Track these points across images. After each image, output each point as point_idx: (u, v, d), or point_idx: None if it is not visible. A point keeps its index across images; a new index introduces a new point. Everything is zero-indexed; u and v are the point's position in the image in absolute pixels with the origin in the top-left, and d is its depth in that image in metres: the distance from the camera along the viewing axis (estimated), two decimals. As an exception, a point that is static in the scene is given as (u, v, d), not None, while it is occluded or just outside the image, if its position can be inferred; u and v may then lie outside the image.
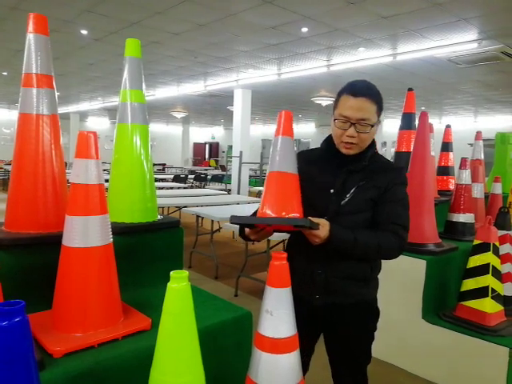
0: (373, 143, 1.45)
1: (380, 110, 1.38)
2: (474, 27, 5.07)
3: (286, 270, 1.20)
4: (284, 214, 1.29)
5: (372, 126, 1.35)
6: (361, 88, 1.36)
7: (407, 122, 3.23)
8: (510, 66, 6.64)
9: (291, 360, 1.17)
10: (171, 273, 0.96)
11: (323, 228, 1.28)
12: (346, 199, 1.38)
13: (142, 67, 1.81)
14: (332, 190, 1.39)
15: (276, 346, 1.15)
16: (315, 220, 1.27)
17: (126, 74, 1.79)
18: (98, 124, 19.47)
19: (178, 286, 0.95)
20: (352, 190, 1.39)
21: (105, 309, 1.26)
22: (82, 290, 1.23)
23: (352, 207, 1.38)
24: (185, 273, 0.97)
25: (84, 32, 5.87)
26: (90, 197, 1.23)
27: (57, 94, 1.58)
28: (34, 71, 1.49)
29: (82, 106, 15.10)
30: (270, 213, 1.31)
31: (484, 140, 4.10)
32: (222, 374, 1.42)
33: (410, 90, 3.25)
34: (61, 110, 16.05)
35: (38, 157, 1.48)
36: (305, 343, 1.36)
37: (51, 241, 1.36)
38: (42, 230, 1.47)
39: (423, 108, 11.35)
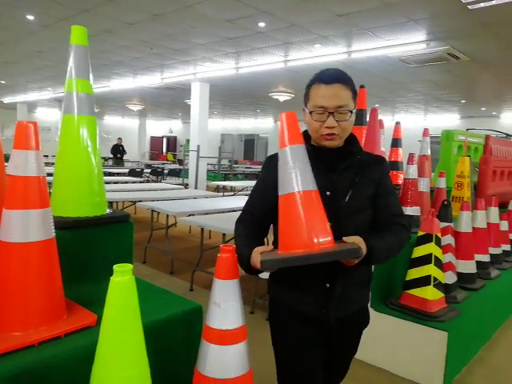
0: (355, 138, 1.36)
1: (355, 95, 1.28)
2: (423, 28, 5.30)
3: (233, 262, 1.21)
4: (316, 240, 1.12)
5: (351, 112, 1.24)
6: (332, 75, 1.25)
7: (359, 118, 3.33)
8: (456, 66, 7.01)
9: (239, 351, 1.19)
10: (114, 266, 0.94)
11: (362, 246, 1.15)
12: (347, 199, 1.26)
13: (88, 56, 1.74)
14: (328, 193, 1.25)
15: (223, 338, 1.16)
16: (351, 239, 1.16)
17: (71, 63, 1.72)
18: (48, 115, 18.55)
19: (122, 279, 0.93)
20: (350, 189, 1.27)
21: (46, 306, 1.21)
22: (21, 287, 1.17)
23: (353, 207, 1.27)
24: (129, 266, 0.95)
25: (30, 17, 5.57)
26: (30, 190, 1.18)
27: (1, 82, 1.49)
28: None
29: (31, 96, 14.31)
30: (299, 244, 1.12)
31: (432, 137, 4.30)
32: (169, 367, 1.41)
33: (361, 86, 3.35)
34: (6, 99, 15.17)
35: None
36: (310, 371, 1.34)
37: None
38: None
39: (377, 105, 11.74)
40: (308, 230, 1.12)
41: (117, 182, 7.39)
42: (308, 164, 1.18)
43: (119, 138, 13.44)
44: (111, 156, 13.54)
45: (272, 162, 1.31)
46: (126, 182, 7.64)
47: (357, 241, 1.16)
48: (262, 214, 1.34)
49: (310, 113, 1.26)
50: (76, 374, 1.11)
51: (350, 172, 1.30)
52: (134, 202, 5.57)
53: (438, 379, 2.32)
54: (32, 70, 9.59)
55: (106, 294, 1.14)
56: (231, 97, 12.16)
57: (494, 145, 4.53)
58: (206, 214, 4.46)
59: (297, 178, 1.15)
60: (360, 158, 1.32)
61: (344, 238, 1.17)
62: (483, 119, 13.18)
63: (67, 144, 1.68)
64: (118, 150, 13.22)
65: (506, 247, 3.91)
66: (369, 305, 1.48)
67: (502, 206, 4.09)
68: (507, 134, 6.47)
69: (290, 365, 1.35)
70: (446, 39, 5.66)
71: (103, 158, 13.82)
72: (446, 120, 13.95)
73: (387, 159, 3.98)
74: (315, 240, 1.12)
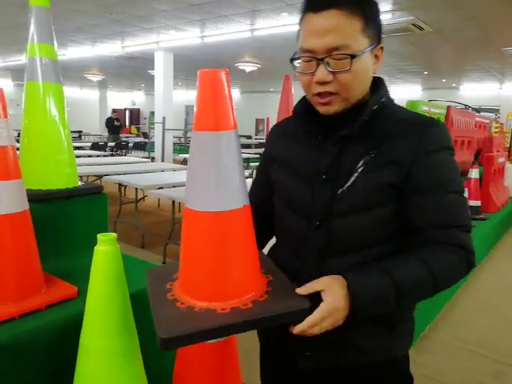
0: (379, 85, 0.88)
1: (369, 23, 0.81)
2: (389, -2, 5.32)
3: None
4: (231, 292, 0.77)
5: (353, 56, 0.78)
6: None
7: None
8: (420, 38, 7.13)
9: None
10: (98, 235, 0.93)
11: (330, 296, 0.74)
12: (345, 188, 0.83)
13: (51, 19, 1.64)
14: (324, 176, 0.85)
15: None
16: (309, 288, 0.76)
17: (32, 27, 1.61)
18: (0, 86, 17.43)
19: (107, 248, 0.92)
20: (354, 171, 0.83)
21: (24, 278, 1.18)
22: (-4, 261, 1.14)
23: (354, 201, 0.83)
24: (112, 235, 0.94)
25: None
26: (2, 160, 1.13)
27: None
28: None
29: (-22, 65, 13.37)
30: (201, 294, 0.77)
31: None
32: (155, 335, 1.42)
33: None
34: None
35: None
36: None
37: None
38: None
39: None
40: (220, 276, 0.77)
41: (79, 156, 7.13)
42: (234, 157, 0.76)
43: (114, 112, 12.76)
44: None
45: (274, 133, 1.05)
46: (90, 156, 7.40)
47: (321, 285, 0.75)
48: (259, 200, 0.99)
49: (295, 62, 0.86)
50: (61, 343, 1.10)
51: (361, 145, 0.84)
52: (100, 177, 5.42)
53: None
54: (-22, 37, 8.93)
55: (83, 267, 1.12)
56: (196, 67, 11.78)
57: (455, 115, 4.69)
58: (174, 186, 4.41)
59: (209, 190, 0.75)
60: (366, 121, 0.83)
61: (299, 290, 0.77)
62: (444, 91, 13.56)
63: (33, 112, 1.60)
64: (112, 123, 12.29)
65: (465, 212, 4.14)
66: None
67: (462, 175, 4.30)
68: (466, 105, 6.71)
69: None
70: (410, 9, 5.71)
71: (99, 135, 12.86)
72: (409, 91, 14.25)
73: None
74: (229, 292, 0.76)
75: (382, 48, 0.86)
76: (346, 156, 0.85)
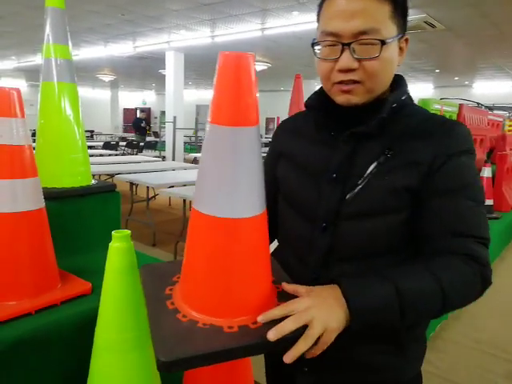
0: (400, 83, 0.82)
1: (398, 9, 0.74)
2: (401, -4, 5.28)
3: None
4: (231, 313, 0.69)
5: (383, 42, 0.71)
6: None
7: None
8: (432, 35, 7.05)
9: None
10: (113, 232, 0.95)
11: (306, 304, 0.65)
12: (356, 190, 0.77)
13: (66, 20, 1.67)
14: (334, 175, 0.79)
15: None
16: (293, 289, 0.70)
17: (48, 28, 1.64)
18: (14, 86, 17.68)
19: (121, 244, 0.94)
20: (367, 172, 0.76)
21: (40, 275, 1.21)
22: (13, 257, 1.16)
23: (366, 204, 0.76)
24: (127, 232, 0.96)
25: (-9, -20, 5.22)
26: (17, 159, 1.16)
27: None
28: None
29: (-7, 66, 13.60)
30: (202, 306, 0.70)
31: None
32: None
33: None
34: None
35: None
36: None
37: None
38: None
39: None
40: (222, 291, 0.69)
41: (92, 156, 7.21)
42: (256, 162, 0.67)
43: (142, 111, 12.34)
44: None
45: (282, 128, 0.98)
46: (102, 155, 7.48)
47: (301, 291, 0.69)
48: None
49: (316, 47, 0.78)
50: (75, 338, 1.13)
51: (377, 144, 0.77)
52: (112, 176, 5.47)
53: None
54: (-7, 38, 9.08)
55: (97, 263, 1.14)
56: (206, 67, 11.88)
57: (467, 113, 4.64)
58: (185, 185, 4.44)
59: (210, 188, 0.67)
60: (385, 118, 0.76)
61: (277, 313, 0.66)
62: (456, 88, 13.40)
63: (48, 112, 1.63)
64: (140, 124, 11.75)
65: (478, 212, 4.10)
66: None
67: (475, 173, 4.25)
68: (478, 103, 6.63)
69: None
70: (423, 7, 5.66)
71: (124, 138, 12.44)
72: (421, 90, 14.11)
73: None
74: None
75: (407, 40, 0.79)
76: (360, 155, 0.78)
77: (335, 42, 0.73)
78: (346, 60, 0.73)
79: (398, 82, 0.82)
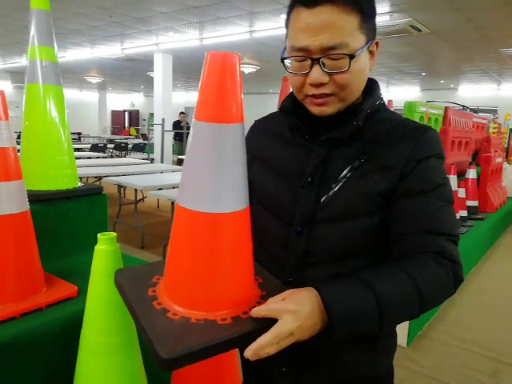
0: (374, 88, 0.83)
1: (366, 18, 0.74)
2: (387, 0, 5.35)
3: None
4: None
5: (352, 56, 0.72)
6: None
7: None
8: (417, 39, 7.15)
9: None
10: (98, 235, 0.95)
11: (289, 305, 0.64)
12: (331, 193, 0.78)
13: (51, 22, 1.66)
14: (309, 179, 0.80)
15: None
16: (266, 310, 0.65)
17: (33, 30, 1.63)
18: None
19: (107, 247, 0.94)
20: (341, 176, 0.78)
21: (25, 278, 1.20)
22: (-3, 261, 1.16)
23: (340, 208, 0.77)
24: (112, 234, 0.96)
25: (-24, -20, 5.15)
26: (1, 161, 1.15)
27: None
28: None
29: (-22, 68, 13.39)
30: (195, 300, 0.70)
31: (395, 109, 4.41)
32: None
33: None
34: (-48, 71, 14.08)
35: None
36: None
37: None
38: None
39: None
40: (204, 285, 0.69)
41: (79, 158, 7.15)
42: (237, 156, 0.67)
43: (182, 114, 10.37)
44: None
45: (255, 129, 0.96)
46: (90, 158, 7.42)
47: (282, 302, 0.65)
48: None
49: (285, 61, 0.79)
50: (61, 342, 1.12)
51: (351, 149, 0.79)
52: (100, 178, 5.43)
53: (403, 335, 2.49)
54: (-21, 39, 8.94)
55: (83, 266, 1.14)
56: (195, 69, 11.87)
57: (453, 116, 4.71)
58: (173, 187, 4.42)
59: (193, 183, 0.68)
60: (360, 126, 0.77)
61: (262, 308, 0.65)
62: (442, 91, 13.59)
63: (33, 114, 1.62)
64: (180, 128, 9.74)
65: (463, 213, 4.17)
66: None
67: (460, 175, 4.32)
68: (464, 106, 6.74)
69: None
70: (408, 11, 5.74)
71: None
72: (407, 92, 14.28)
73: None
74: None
75: (377, 43, 0.80)
76: (334, 159, 0.79)
77: (304, 57, 0.74)
78: (317, 75, 0.74)
79: (371, 87, 0.83)
